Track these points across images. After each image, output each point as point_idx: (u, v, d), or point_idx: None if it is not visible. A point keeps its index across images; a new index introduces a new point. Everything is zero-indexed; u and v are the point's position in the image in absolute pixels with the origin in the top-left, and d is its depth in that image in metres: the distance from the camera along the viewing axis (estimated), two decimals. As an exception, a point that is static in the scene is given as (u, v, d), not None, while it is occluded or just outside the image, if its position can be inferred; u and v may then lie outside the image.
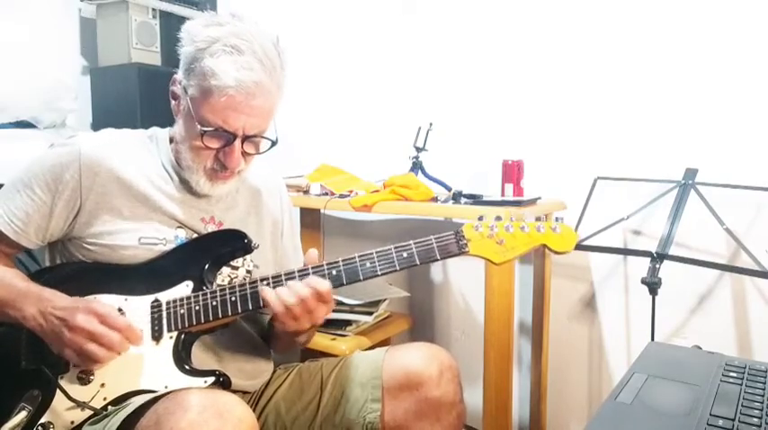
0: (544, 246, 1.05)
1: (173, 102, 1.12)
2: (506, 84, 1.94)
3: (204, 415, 0.83)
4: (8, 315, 1.02)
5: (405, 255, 1.04)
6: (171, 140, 1.16)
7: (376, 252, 1.04)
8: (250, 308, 1.04)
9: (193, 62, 1.03)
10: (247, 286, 1.05)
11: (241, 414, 0.86)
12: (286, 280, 1.04)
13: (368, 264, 1.04)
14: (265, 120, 1.08)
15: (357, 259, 1.04)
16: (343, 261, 1.04)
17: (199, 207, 1.15)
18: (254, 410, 1.18)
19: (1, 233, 1.08)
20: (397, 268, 1.04)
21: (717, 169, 1.57)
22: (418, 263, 1.04)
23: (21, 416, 0.99)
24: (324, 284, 1.01)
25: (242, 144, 1.07)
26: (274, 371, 1.25)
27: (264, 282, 1.04)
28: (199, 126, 1.04)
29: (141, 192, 1.10)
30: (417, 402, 1.10)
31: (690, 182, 1.57)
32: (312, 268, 1.05)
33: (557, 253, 1.06)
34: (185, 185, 1.14)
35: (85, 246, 1.08)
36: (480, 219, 1.07)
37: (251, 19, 1.08)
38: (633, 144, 1.75)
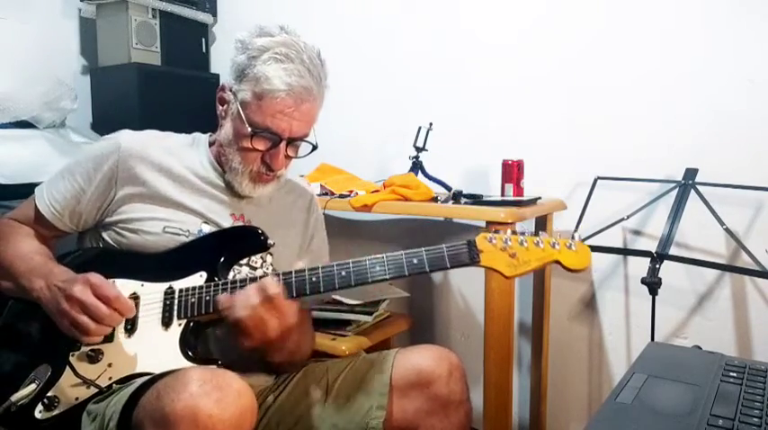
0: (557, 262, 1.02)
1: (219, 107, 1.19)
2: (506, 84, 1.94)
3: (205, 387, 0.85)
4: (21, 285, 1.08)
5: (415, 261, 1.04)
6: (211, 144, 1.23)
7: (386, 256, 1.04)
8: None
9: (246, 69, 1.11)
10: (258, 281, 1.05)
11: (240, 387, 0.88)
12: (296, 278, 1.04)
13: (377, 268, 1.04)
14: (309, 125, 1.17)
15: (367, 262, 1.04)
16: (353, 262, 1.05)
17: (230, 203, 1.20)
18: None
19: (41, 215, 1.16)
20: (406, 274, 1.03)
21: (717, 169, 1.57)
22: (428, 270, 1.03)
23: (30, 388, 1.02)
24: (273, 287, 0.98)
25: (286, 147, 1.14)
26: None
27: (277, 278, 1.03)
28: (249, 128, 1.11)
29: (175, 185, 1.16)
30: (428, 400, 1.13)
31: (690, 182, 1.57)
32: (322, 268, 1.05)
33: (570, 270, 1.03)
34: (221, 183, 1.20)
35: (114, 229, 1.14)
36: (496, 232, 1.05)
37: (296, 32, 1.18)
38: (633, 144, 1.75)
